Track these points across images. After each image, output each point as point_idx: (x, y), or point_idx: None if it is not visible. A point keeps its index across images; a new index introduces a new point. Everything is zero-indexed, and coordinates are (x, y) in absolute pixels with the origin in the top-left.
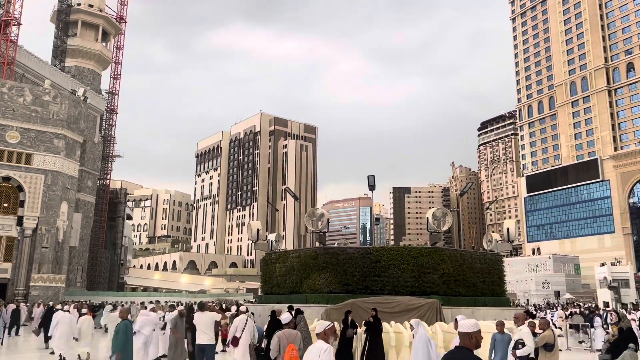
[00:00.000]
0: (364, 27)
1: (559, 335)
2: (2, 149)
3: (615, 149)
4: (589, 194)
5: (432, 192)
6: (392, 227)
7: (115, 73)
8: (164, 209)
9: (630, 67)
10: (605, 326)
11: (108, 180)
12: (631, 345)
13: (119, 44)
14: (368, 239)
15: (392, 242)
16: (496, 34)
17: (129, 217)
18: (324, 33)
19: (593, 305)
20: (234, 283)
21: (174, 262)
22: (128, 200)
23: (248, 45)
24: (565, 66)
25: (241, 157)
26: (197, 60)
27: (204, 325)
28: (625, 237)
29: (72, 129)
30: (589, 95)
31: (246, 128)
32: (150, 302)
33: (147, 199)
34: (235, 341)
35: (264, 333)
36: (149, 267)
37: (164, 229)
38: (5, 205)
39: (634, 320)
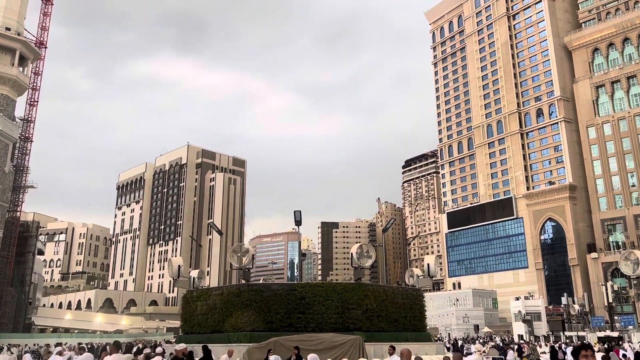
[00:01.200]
0: (293, 64)
1: None
2: None
3: (528, 189)
4: (505, 230)
5: (359, 227)
6: (319, 262)
7: (32, 99)
8: (80, 243)
9: (539, 112)
10: (518, 359)
11: (19, 213)
12: None
13: (37, 69)
14: (296, 274)
15: (319, 277)
16: (420, 74)
17: (41, 252)
18: (253, 67)
19: (508, 339)
20: (154, 322)
21: (89, 300)
22: (40, 234)
23: (175, 76)
24: (482, 109)
25: (166, 190)
26: (120, 88)
27: None
28: (537, 272)
29: None
30: (504, 138)
31: (172, 160)
32: (58, 345)
33: (61, 233)
34: None
35: None
36: (60, 306)
37: (80, 265)
38: None
39: (545, 352)
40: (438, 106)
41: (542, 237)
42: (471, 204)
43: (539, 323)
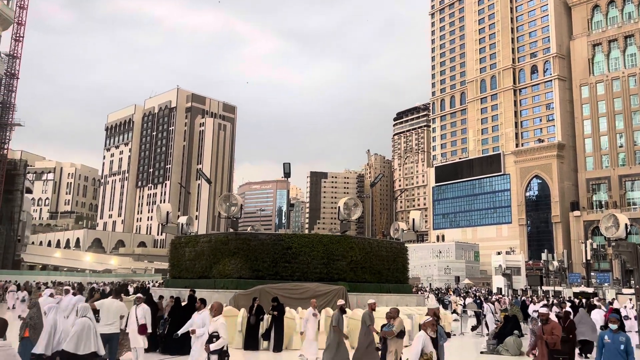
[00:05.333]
0: (281, 7)
1: (454, 320)
2: None
3: (517, 145)
4: (491, 186)
5: (348, 178)
6: (307, 211)
7: (18, 35)
8: (68, 183)
9: (534, 69)
10: (495, 313)
11: (6, 150)
12: (516, 332)
13: (22, 3)
14: (284, 221)
15: (307, 226)
16: (412, 23)
17: (29, 191)
18: (239, 9)
19: (486, 292)
20: (142, 263)
21: (78, 239)
22: (28, 173)
23: (158, 13)
24: (477, 64)
25: (155, 133)
26: (100, 23)
27: (114, 312)
28: (520, 227)
29: None
30: (496, 93)
31: (161, 103)
32: (46, 284)
33: (49, 172)
34: (143, 329)
35: (165, 318)
36: (49, 244)
37: (68, 205)
38: None
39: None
40: (433, 58)
41: (527, 194)
42: (460, 158)
43: (518, 277)
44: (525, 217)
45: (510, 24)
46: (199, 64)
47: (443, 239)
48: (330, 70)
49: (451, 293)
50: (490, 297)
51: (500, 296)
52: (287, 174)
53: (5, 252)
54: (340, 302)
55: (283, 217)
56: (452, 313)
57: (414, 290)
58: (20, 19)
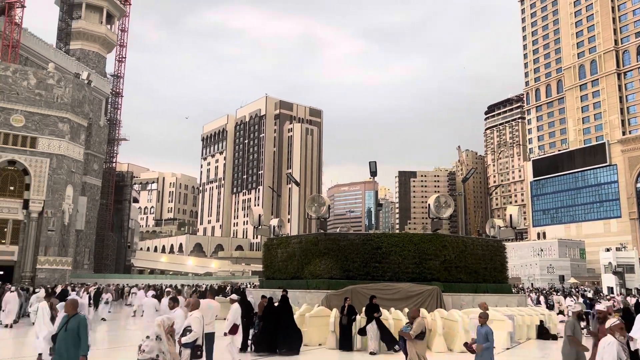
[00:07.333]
0: (360, 7)
1: (560, 321)
2: (7, 132)
3: (624, 133)
4: (596, 178)
5: (438, 176)
6: (397, 211)
7: (120, 56)
8: (170, 192)
9: None
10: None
11: (114, 164)
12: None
13: (123, 26)
14: (374, 222)
15: (397, 226)
16: (500, 10)
17: (136, 200)
18: (318, 13)
19: (594, 291)
20: (240, 266)
21: (180, 244)
22: (134, 184)
23: (242, 25)
24: (574, 49)
25: (247, 141)
26: (190, 38)
27: (210, 312)
28: (632, 222)
29: (76, 112)
30: (597, 79)
31: (252, 112)
32: (150, 286)
33: (153, 182)
34: (235, 329)
35: (257, 318)
36: (155, 250)
37: (171, 212)
38: (12, 188)
39: None
40: (525, 47)
41: (639, 185)
42: (559, 150)
43: (632, 275)
44: (637, 210)
45: (610, 2)
46: (284, 70)
47: (544, 237)
48: (415, 65)
49: (555, 293)
50: (600, 296)
51: (612, 296)
52: (374, 173)
53: (117, 257)
54: (578, 307)
55: (373, 218)
56: (558, 314)
57: (514, 290)
58: (122, 41)
